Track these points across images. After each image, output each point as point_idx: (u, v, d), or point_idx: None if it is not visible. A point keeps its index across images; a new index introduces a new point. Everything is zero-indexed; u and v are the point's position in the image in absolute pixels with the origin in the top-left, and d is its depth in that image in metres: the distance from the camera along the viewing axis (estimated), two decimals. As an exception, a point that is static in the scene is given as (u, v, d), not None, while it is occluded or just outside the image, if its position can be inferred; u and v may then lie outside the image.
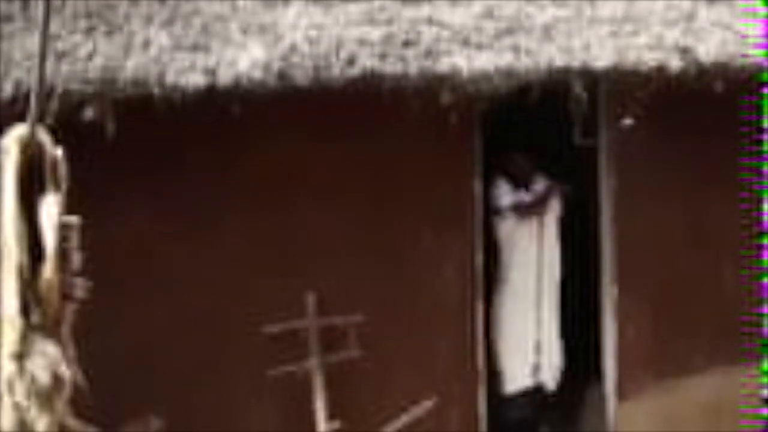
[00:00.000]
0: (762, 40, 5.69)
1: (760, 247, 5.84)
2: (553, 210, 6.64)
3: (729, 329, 6.40)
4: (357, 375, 5.59)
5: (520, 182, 6.59)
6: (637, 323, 6.24)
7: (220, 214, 5.36)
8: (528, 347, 6.46)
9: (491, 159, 6.33)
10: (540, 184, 6.61)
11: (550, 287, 6.57)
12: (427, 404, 5.60)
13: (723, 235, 6.36)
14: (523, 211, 6.51)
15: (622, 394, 6.31)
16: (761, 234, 5.83)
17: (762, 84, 5.65)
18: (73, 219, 2.36)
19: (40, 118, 2.35)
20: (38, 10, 4.64)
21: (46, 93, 2.61)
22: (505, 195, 6.54)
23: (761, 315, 5.73)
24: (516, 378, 6.51)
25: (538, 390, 6.57)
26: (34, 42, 4.34)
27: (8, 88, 4.41)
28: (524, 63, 5.28)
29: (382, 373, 5.72)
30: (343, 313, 5.54)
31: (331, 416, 5.44)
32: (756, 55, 5.64)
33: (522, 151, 6.63)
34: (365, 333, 5.54)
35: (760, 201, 5.91)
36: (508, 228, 6.53)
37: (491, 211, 6.43)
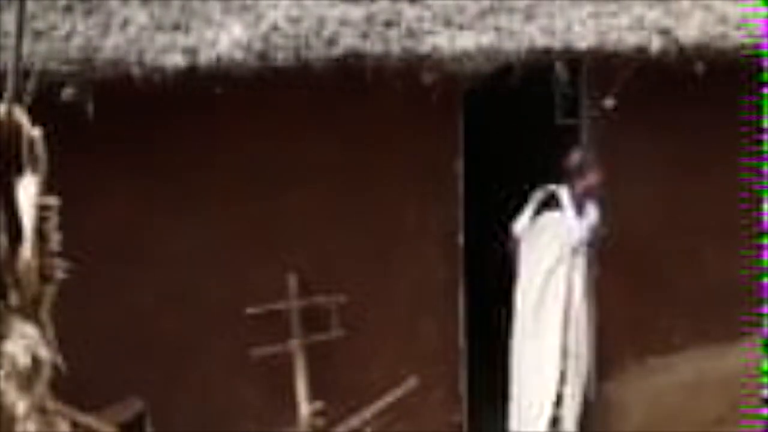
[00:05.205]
0: (745, 22, 5.71)
1: (760, 247, 5.85)
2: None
3: (710, 308, 6.44)
4: (339, 355, 5.60)
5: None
6: (618, 303, 6.26)
7: (201, 195, 5.34)
8: (546, 400, 5.85)
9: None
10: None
11: (577, 337, 5.89)
12: (409, 384, 5.61)
13: (704, 215, 6.39)
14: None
15: (603, 373, 6.34)
16: (761, 234, 5.84)
17: (762, 84, 5.68)
18: (52, 200, 2.35)
19: (18, 99, 2.33)
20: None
21: (23, 73, 2.58)
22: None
23: (761, 315, 5.76)
24: (528, 424, 5.92)
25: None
26: (11, 21, 4.30)
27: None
28: (506, 43, 5.27)
29: (364, 354, 5.73)
30: (326, 293, 5.54)
31: (314, 396, 5.45)
32: (738, 35, 5.66)
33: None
34: (347, 313, 5.55)
35: (760, 201, 5.92)
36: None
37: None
